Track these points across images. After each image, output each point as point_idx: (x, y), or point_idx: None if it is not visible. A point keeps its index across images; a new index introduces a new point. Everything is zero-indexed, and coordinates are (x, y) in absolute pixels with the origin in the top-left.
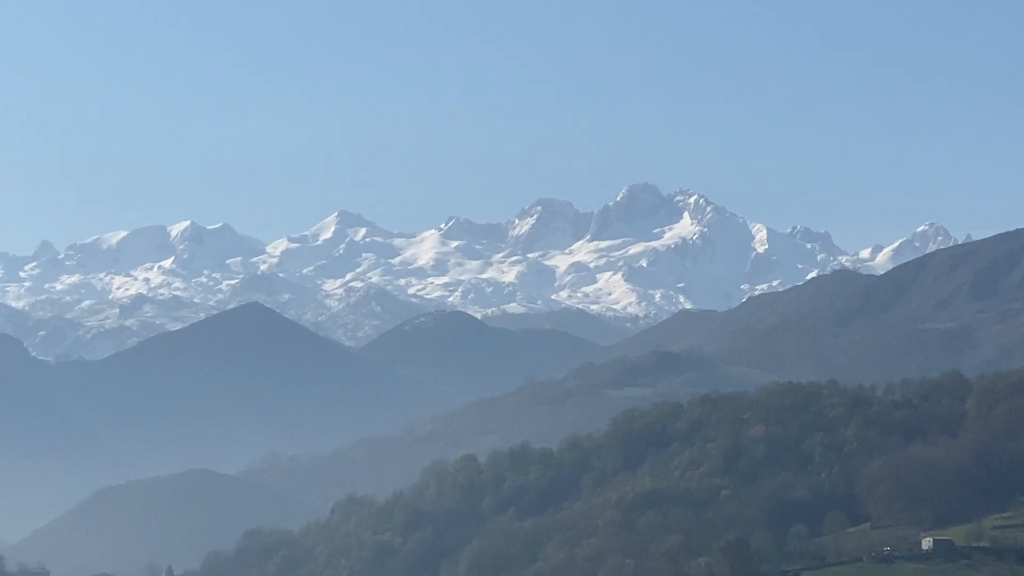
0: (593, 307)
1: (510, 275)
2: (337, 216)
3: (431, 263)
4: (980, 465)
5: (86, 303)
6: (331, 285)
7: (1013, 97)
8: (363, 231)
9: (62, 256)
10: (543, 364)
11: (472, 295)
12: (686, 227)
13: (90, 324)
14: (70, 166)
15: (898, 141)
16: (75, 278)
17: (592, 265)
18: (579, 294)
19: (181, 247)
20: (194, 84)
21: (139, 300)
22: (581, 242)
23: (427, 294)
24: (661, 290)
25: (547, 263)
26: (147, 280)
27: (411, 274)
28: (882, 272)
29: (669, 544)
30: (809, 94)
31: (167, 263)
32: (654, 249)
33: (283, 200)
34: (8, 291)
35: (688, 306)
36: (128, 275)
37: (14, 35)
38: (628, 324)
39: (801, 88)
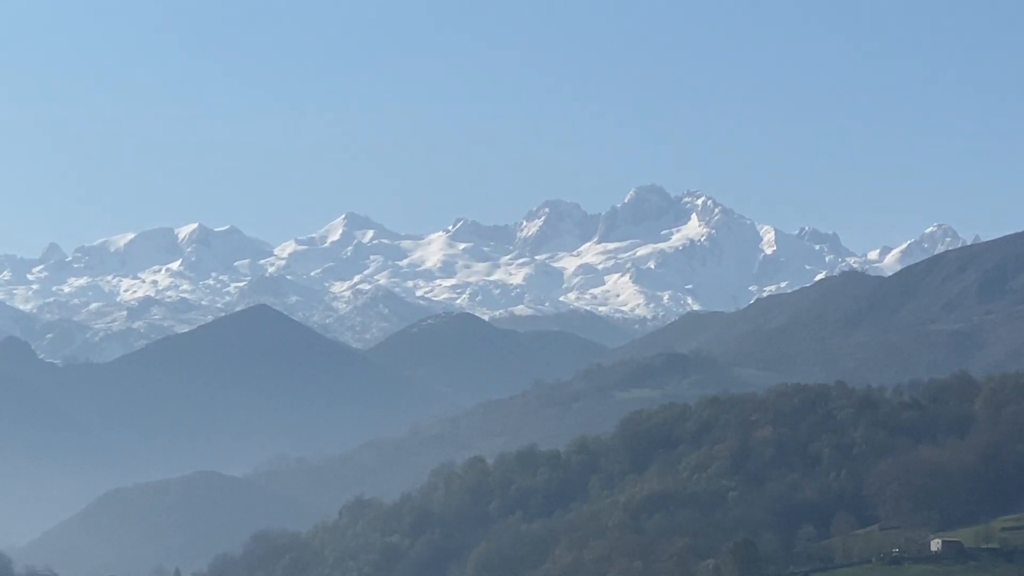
0: (601, 309)
1: (518, 277)
2: (344, 218)
3: (439, 265)
4: (989, 466)
5: (94, 305)
6: (339, 287)
7: (1022, 98)
8: (371, 233)
9: (70, 259)
10: (551, 366)
11: (480, 297)
12: (694, 229)
13: (98, 326)
14: (77, 169)
15: (906, 142)
16: (83, 281)
17: (600, 267)
18: (587, 296)
19: (189, 249)
20: (201, 87)
21: (147, 302)
22: (589, 244)
23: (435, 296)
24: (669, 292)
25: (555, 265)
26: (155, 282)
27: (419, 276)
28: (890, 273)
29: (677, 546)
30: (817, 95)
31: (175, 265)
32: (662, 251)
33: (291, 202)
34: (16, 294)
35: (696, 307)
36: (136, 277)
37: (22, 39)
38: (636, 326)
39: (809, 89)
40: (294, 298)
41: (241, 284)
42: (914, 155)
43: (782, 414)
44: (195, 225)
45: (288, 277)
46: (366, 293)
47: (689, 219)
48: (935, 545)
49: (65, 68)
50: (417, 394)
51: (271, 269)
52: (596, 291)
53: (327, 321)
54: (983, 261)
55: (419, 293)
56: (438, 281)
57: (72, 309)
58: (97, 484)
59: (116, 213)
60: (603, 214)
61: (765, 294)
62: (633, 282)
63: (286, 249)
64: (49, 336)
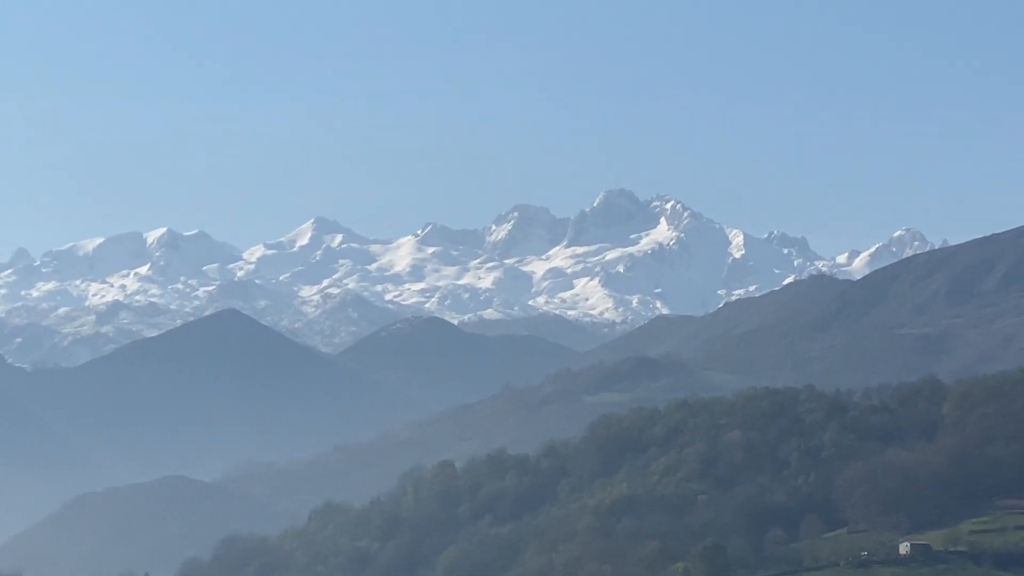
0: (570, 313)
1: (487, 281)
2: (313, 222)
3: (408, 269)
4: (957, 470)
5: (62, 310)
6: (308, 291)
7: (990, 102)
8: (339, 237)
9: (38, 263)
10: (520, 370)
11: (449, 301)
12: (663, 233)
13: (66, 331)
14: (46, 173)
15: (875, 146)
16: (51, 285)
17: (569, 271)
18: (556, 300)
19: (157, 254)
20: (170, 91)
21: (115, 307)
22: (558, 248)
23: (404, 300)
24: (638, 296)
25: (524, 269)
26: (123, 287)
27: (388, 280)
28: (859, 277)
29: (646, 549)
30: (785, 99)
31: (143, 270)
32: (631, 255)
33: (259, 206)
34: None
35: (665, 312)
36: (104, 282)
37: None
38: (605, 330)
39: (777, 93)
40: (263, 302)
41: (210, 288)
42: (882, 159)
43: (751, 418)
44: (164, 229)
45: (257, 281)
46: (335, 297)
47: (658, 223)
48: (903, 548)
49: (32, 72)
50: (386, 398)
51: (240, 273)
52: (565, 295)
53: (296, 325)
54: (951, 265)
55: (388, 297)
56: (407, 285)
57: (41, 313)
58: (66, 488)
59: (85, 217)
60: (572, 218)
61: (734, 298)
62: (602, 286)
63: (255, 253)
64: (18, 340)
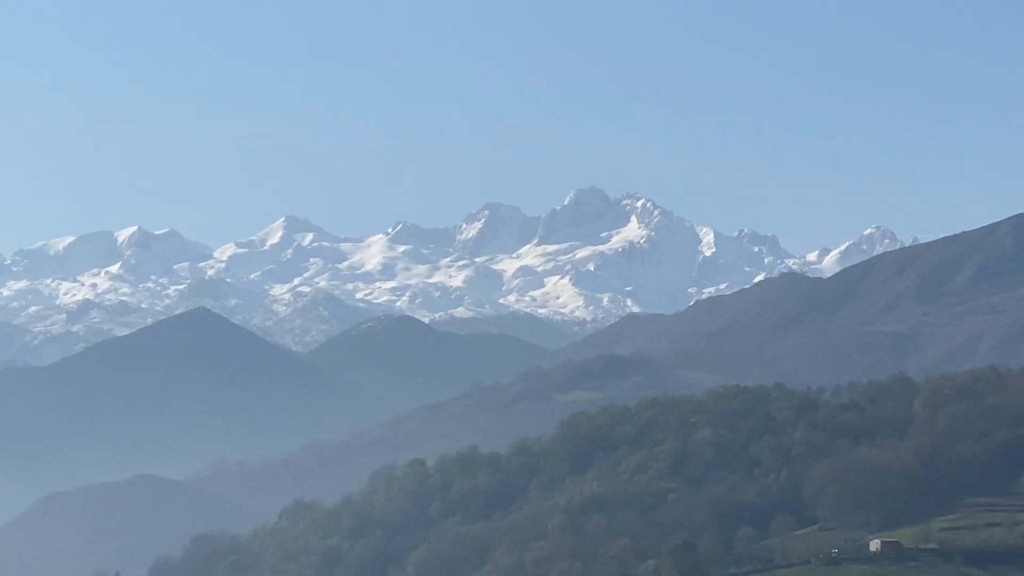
0: (541, 311)
1: (458, 280)
2: (284, 221)
3: (378, 268)
4: (927, 467)
5: (33, 309)
6: (279, 290)
7: (960, 101)
8: (310, 236)
9: (9, 262)
10: (491, 368)
11: (420, 300)
12: (633, 231)
13: (37, 330)
14: (16, 172)
15: (845, 144)
16: (22, 284)
17: (540, 269)
18: (527, 298)
19: (128, 252)
20: (140, 90)
21: (86, 306)
22: (528, 246)
23: (375, 299)
24: (609, 294)
25: (495, 267)
26: (94, 286)
27: (359, 279)
28: (829, 275)
29: (617, 548)
30: (756, 98)
31: (114, 269)
32: (601, 253)
33: (230, 205)
34: None
35: (636, 310)
36: (75, 281)
37: None
38: (576, 328)
39: (748, 92)
40: (234, 301)
41: (181, 287)
42: (853, 157)
43: (722, 416)
44: (134, 228)
45: (228, 280)
46: (306, 296)
47: (628, 221)
48: (874, 546)
49: (2, 71)
50: (357, 397)
51: (211, 272)
52: (536, 293)
53: (267, 324)
54: (921, 263)
55: (359, 296)
56: (378, 284)
57: (11, 312)
58: (37, 488)
59: (55, 216)
60: (543, 216)
61: (704, 296)
62: (573, 284)
63: (226, 252)
64: None
